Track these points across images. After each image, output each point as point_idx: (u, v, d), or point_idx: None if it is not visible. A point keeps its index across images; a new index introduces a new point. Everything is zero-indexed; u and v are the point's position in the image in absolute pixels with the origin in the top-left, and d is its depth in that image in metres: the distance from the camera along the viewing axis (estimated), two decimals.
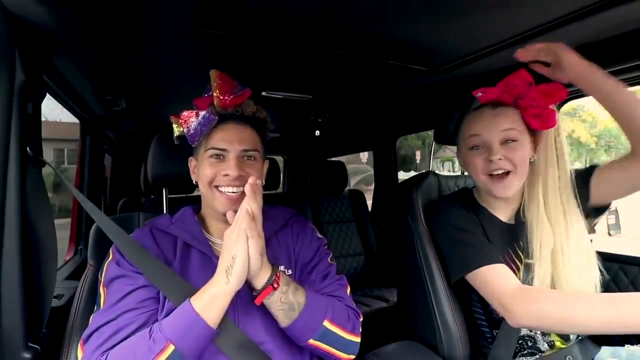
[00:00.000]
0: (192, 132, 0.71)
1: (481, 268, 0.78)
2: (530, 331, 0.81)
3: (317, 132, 2.16)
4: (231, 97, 0.72)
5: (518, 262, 0.83)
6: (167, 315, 0.62)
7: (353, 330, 0.72)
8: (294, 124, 2.02)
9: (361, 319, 0.77)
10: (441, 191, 1.08)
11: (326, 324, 0.67)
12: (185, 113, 0.73)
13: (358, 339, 0.73)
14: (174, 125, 0.75)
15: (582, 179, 0.82)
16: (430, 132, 1.75)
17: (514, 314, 0.71)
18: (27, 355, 0.60)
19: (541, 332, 0.81)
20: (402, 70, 1.08)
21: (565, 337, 0.82)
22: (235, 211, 0.65)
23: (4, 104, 0.58)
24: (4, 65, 0.58)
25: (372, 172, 2.76)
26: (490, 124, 0.81)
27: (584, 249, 0.79)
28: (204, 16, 0.73)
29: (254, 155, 0.75)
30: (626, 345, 0.82)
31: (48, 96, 0.78)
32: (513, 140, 0.80)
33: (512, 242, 0.84)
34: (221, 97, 0.72)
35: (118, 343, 0.59)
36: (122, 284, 0.65)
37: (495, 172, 0.81)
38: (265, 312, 0.67)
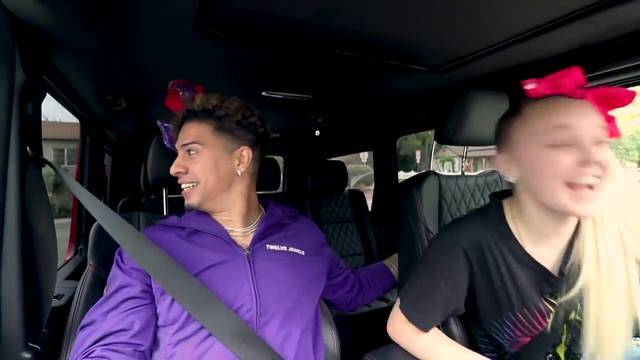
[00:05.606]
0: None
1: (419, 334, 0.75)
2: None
3: (317, 132, 2.16)
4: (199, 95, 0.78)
5: (550, 307, 0.70)
6: (170, 305, 0.65)
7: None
8: (294, 124, 2.02)
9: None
10: (441, 191, 1.07)
11: None
12: None
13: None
14: None
15: None
16: (430, 132, 1.75)
17: None
18: (27, 355, 0.60)
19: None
20: (402, 70, 1.08)
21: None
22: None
23: (4, 104, 0.58)
24: (4, 65, 0.58)
25: (372, 172, 2.76)
26: (588, 114, 0.60)
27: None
28: (204, 16, 0.73)
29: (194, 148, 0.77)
30: None
31: (48, 96, 0.78)
32: (604, 142, 0.60)
33: (550, 292, 0.70)
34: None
35: (96, 342, 0.62)
36: (111, 284, 0.70)
37: (585, 181, 0.59)
38: (281, 280, 0.72)
